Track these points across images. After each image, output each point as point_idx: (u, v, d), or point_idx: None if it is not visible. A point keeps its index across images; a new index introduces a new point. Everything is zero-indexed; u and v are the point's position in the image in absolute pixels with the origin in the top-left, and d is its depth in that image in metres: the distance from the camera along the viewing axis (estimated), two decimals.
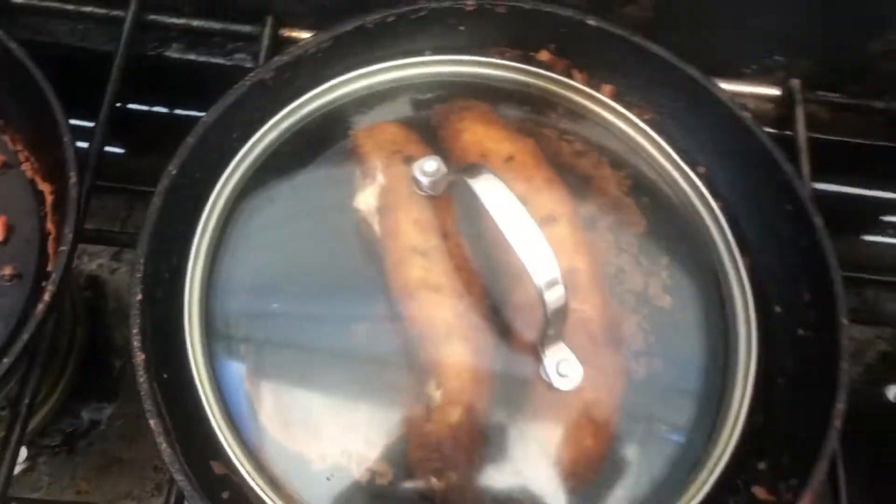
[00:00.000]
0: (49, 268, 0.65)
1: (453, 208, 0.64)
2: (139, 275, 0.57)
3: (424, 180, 0.63)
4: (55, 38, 0.79)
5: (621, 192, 0.70)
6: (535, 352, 0.59)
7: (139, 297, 0.57)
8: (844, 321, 0.61)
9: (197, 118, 0.62)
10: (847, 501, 0.68)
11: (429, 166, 0.62)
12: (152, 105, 0.89)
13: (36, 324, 0.56)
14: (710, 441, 0.62)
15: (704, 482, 0.60)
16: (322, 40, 0.66)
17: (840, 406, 0.58)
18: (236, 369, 0.61)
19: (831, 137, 0.81)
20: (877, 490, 0.86)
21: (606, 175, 0.70)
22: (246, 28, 0.80)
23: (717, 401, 0.63)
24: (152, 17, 0.79)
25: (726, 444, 0.61)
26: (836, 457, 0.60)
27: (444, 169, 0.62)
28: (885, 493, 0.86)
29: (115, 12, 0.78)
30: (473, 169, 0.56)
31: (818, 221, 0.64)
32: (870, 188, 0.91)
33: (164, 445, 0.54)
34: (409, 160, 0.65)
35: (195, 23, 0.79)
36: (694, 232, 0.69)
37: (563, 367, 0.58)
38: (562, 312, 0.56)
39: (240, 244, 0.64)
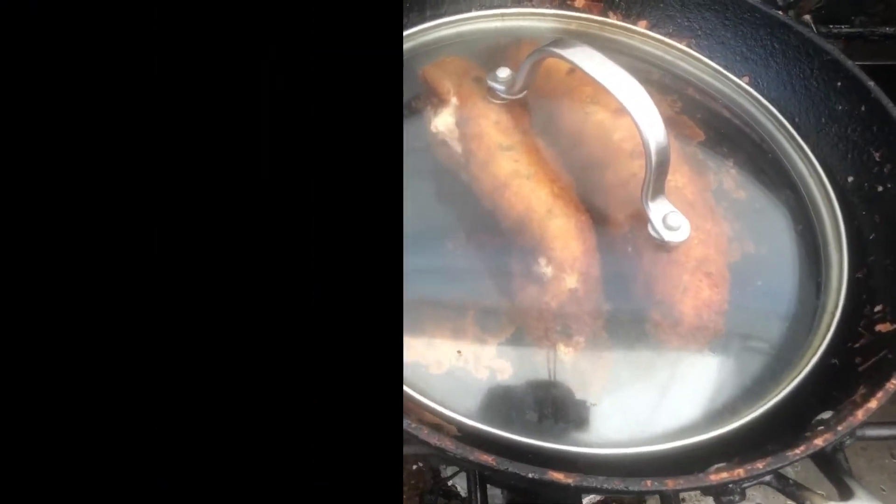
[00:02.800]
0: None
1: (528, 112, 0.66)
2: None
3: (499, 87, 0.66)
4: None
5: (674, 112, 0.73)
6: (636, 220, 0.60)
7: None
8: None
9: None
10: None
11: (502, 73, 0.66)
12: None
13: None
14: (820, 304, 0.62)
15: (824, 336, 0.60)
16: None
17: None
18: None
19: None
20: None
21: (656, 100, 0.74)
22: None
23: (816, 271, 0.64)
24: None
25: (836, 304, 0.62)
26: None
27: (516, 76, 0.65)
28: None
29: None
30: (561, 42, 0.59)
31: (872, 84, 0.67)
32: None
33: None
34: (478, 80, 0.68)
35: None
36: (752, 133, 0.72)
37: (670, 219, 0.58)
38: (665, 164, 0.57)
39: None
